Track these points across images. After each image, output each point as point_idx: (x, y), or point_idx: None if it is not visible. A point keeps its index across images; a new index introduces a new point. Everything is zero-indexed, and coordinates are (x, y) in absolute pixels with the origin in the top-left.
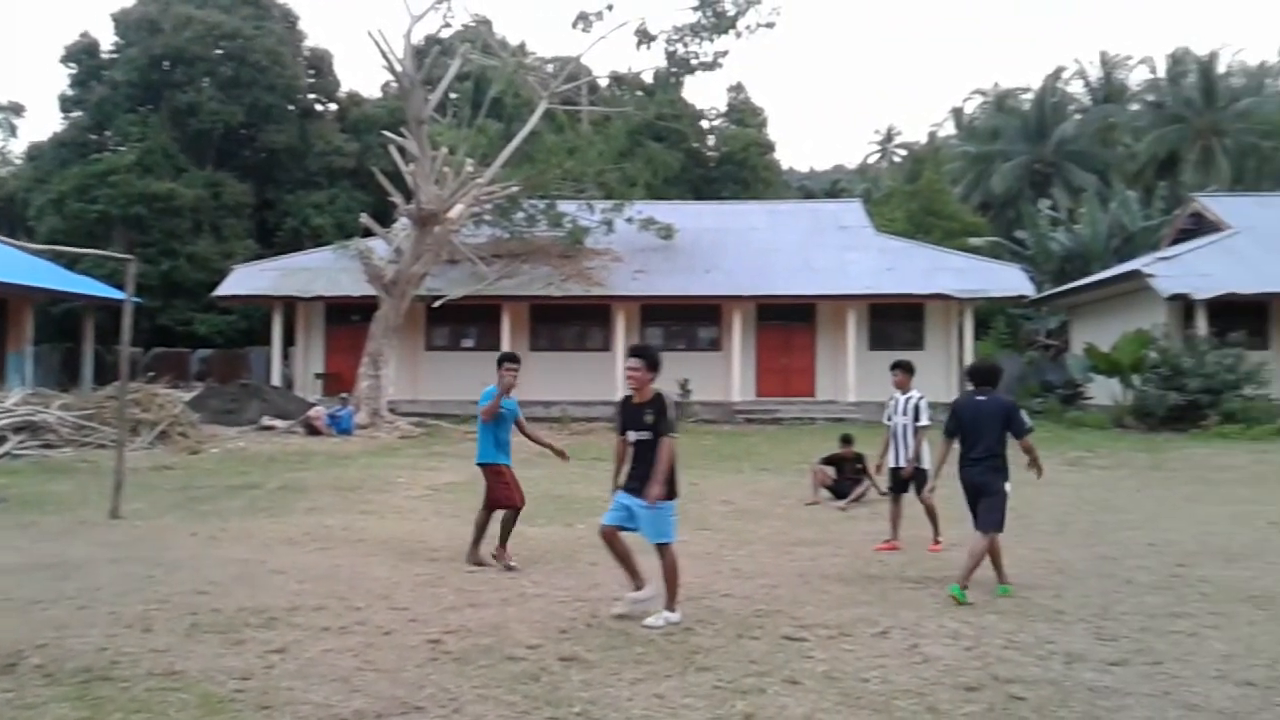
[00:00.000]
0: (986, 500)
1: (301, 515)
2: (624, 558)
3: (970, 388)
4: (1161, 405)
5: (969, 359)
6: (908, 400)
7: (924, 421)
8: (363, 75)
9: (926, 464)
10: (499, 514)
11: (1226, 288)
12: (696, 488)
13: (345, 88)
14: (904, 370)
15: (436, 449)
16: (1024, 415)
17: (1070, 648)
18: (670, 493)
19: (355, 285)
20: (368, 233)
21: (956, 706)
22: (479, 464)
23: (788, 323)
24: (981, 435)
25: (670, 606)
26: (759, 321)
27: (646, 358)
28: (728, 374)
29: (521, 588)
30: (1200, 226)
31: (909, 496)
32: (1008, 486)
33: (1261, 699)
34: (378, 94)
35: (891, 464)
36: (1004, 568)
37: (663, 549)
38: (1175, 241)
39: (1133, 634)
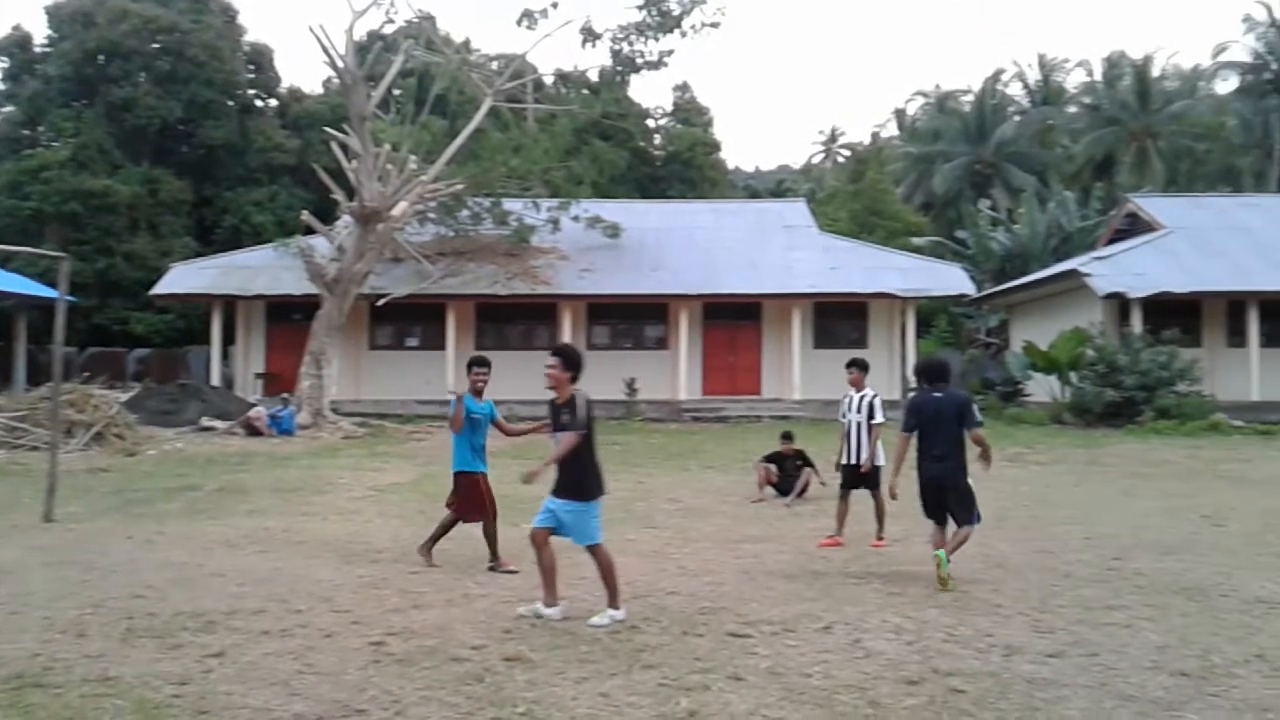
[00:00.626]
0: (955, 497)
1: (241, 517)
2: (548, 569)
3: (922, 386)
4: (1098, 402)
5: (912, 357)
6: (862, 398)
7: (878, 419)
8: (304, 71)
9: (881, 461)
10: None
11: (1161, 287)
12: (643, 485)
13: (286, 83)
14: (859, 368)
15: (380, 449)
16: (976, 409)
17: (1009, 640)
18: (592, 492)
19: (297, 283)
20: (309, 230)
21: (898, 700)
22: (455, 472)
23: (734, 321)
24: (941, 432)
25: (613, 604)
26: (705, 320)
27: (564, 357)
28: (674, 372)
29: (466, 588)
30: (1135, 227)
31: (857, 493)
32: (970, 481)
33: (1194, 689)
34: (319, 90)
35: (846, 460)
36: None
37: (594, 550)
38: (1111, 241)
39: (1070, 626)
